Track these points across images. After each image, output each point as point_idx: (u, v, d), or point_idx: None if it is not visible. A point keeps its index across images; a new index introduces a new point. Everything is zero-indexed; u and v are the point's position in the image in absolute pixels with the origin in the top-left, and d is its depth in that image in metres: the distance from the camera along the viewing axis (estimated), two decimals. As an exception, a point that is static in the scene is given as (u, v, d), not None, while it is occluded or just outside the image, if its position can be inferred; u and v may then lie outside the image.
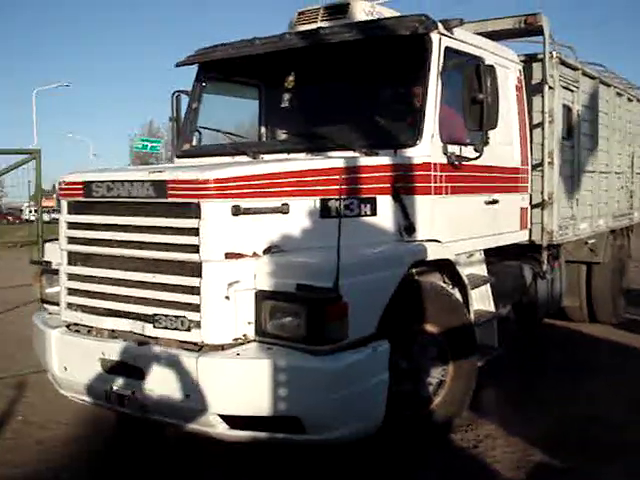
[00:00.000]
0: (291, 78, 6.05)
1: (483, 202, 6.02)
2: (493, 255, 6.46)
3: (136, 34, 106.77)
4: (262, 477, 4.93)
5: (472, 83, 5.19)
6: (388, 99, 6.04)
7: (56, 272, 5.20)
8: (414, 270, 5.05)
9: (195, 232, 4.29)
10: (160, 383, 4.37)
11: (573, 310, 9.29)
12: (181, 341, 4.40)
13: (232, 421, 4.26)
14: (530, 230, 7.00)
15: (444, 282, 5.52)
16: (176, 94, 6.63)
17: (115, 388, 4.60)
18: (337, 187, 4.57)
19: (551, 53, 7.02)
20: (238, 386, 4.16)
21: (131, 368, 4.52)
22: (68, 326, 5.05)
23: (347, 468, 4.91)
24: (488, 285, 6.00)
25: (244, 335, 4.32)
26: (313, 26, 6.00)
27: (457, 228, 5.65)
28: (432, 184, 5.32)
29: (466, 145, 5.52)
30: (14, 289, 11.32)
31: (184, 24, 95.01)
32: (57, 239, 5.20)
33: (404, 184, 5.15)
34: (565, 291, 8.26)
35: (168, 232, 4.44)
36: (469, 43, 5.77)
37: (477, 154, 5.42)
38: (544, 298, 7.50)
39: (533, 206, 7.00)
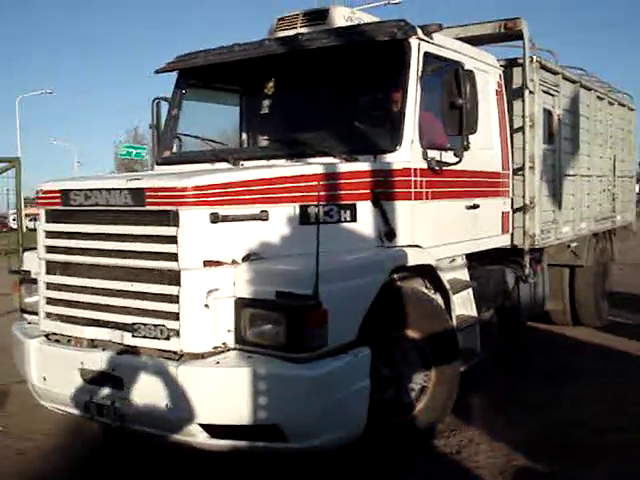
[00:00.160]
0: (270, 84, 6.06)
1: (464, 207, 6.02)
2: (476, 260, 6.47)
3: (121, 39, 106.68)
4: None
5: (451, 88, 5.18)
6: (368, 105, 6.04)
7: (35, 281, 5.15)
8: (395, 276, 5.05)
9: (173, 240, 4.25)
10: (139, 393, 4.34)
11: (557, 313, 9.32)
12: (161, 350, 4.36)
13: (212, 430, 4.23)
14: (512, 234, 7.00)
15: (426, 287, 5.51)
16: (156, 101, 6.61)
17: (94, 398, 4.56)
18: (316, 193, 4.54)
19: (531, 57, 7.04)
20: (218, 395, 4.14)
21: (110, 378, 4.49)
22: (47, 336, 5.00)
23: (331, 475, 4.89)
24: (470, 290, 6.00)
25: (224, 343, 4.29)
26: (293, 32, 5.98)
27: (438, 233, 5.64)
28: (412, 189, 5.31)
29: (446, 150, 5.51)
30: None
31: (172, 28, 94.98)
32: (37, 248, 5.16)
33: (384, 190, 5.13)
34: (548, 295, 8.27)
35: (147, 240, 4.41)
36: (448, 48, 5.77)
37: (457, 159, 5.41)
38: (527, 302, 7.52)
39: (515, 210, 7.01)
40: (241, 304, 4.25)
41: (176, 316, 4.27)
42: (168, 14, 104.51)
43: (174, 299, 4.28)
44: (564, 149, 8.16)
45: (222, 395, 4.13)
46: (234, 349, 4.30)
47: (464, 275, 6.12)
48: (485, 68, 6.36)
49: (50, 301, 4.97)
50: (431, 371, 5.22)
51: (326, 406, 4.15)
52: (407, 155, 5.25)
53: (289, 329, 4.04)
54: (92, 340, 4.71)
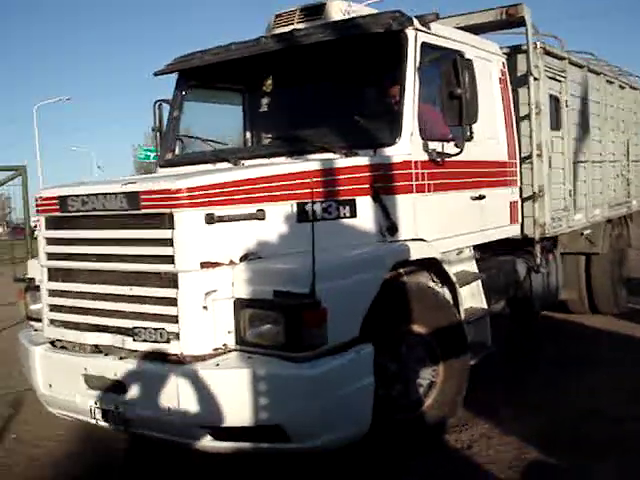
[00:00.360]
0: (269, 81, 6.01)
1: (469, 198, 5.92)
2: (487, 251, 6.38)
3: (136, 42, 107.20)
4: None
5: (449, 78, 5.10)
6: (366, 98, 5.98)
7: (39, 288, 5.15)
8: (401, 270, 4.98)
9: (169, 242, 4.23)
10: (142, 397, 4.33)
11: (574, 302, 9.18)
12: (161, 353, 4.33)
13: (216, 432, 4.20)
14: (522, 224, 6.90)
15: (432, 281, 5.44)
16: (158, 103, 6.59)
17: (98, 403, 4.56)
18: (313, 190, 4.48)
19: (535, 43, 6.92)
20: (219, 397, 4.09)
21: (113, 383, 4.48)
22: (52, 343, 5.00)
23: (339, 473, 4.85)
24: (479, 282, 5.91)
25: (224, 345, 4.26)
26: (290, 28, 5.93)
27: (443, 226, 5.56)
28: (413, 182, 5.24)
29: (448, 141, 5.42)
30: (12, 306, 11.25)
31: (186, 29, 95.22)
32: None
33: (384, 184, 5.06)
34: (562, 284, 8.16)
35: (144, 244, 4.39)
36: (447, 37, 5.67)
37: (458, 150, 5.33)
38: (539, 292, 7.40)
39: (524, 199, 6.90)
40: (240, 305, 4.21)
41: (175, 319, 4.25)
42: (183, 15, 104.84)
43: (172, 302, 4.25)
44: (573, 135, 8.02)
45: (223, 397, 4.09)
46: (235, 350, 4.26)
47: (472, 267, 6.03)
48: (487, 56, 6.25)
49: (53, 308, 4.97)
50: (439, 366, 5.16)
51: (328, 405, 4.10)
52: (407, 148, 5.17)
53: (287, 328, 4.00)
54: (96, 346, 4.70)
